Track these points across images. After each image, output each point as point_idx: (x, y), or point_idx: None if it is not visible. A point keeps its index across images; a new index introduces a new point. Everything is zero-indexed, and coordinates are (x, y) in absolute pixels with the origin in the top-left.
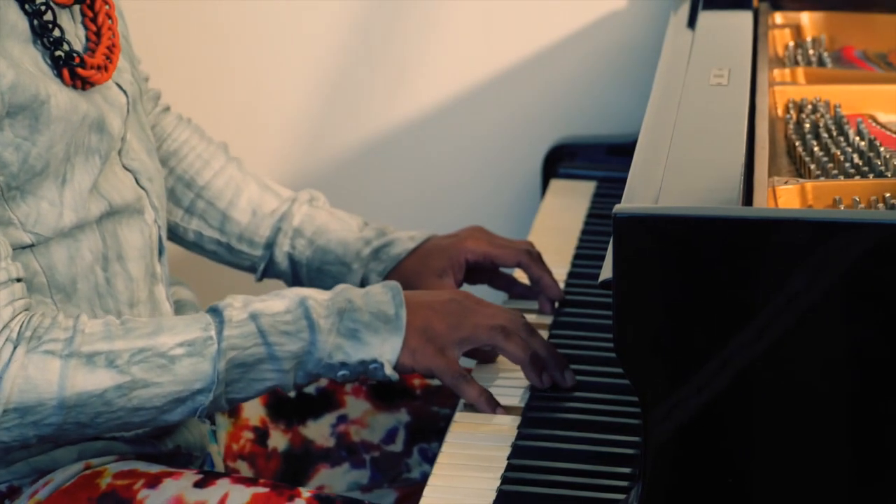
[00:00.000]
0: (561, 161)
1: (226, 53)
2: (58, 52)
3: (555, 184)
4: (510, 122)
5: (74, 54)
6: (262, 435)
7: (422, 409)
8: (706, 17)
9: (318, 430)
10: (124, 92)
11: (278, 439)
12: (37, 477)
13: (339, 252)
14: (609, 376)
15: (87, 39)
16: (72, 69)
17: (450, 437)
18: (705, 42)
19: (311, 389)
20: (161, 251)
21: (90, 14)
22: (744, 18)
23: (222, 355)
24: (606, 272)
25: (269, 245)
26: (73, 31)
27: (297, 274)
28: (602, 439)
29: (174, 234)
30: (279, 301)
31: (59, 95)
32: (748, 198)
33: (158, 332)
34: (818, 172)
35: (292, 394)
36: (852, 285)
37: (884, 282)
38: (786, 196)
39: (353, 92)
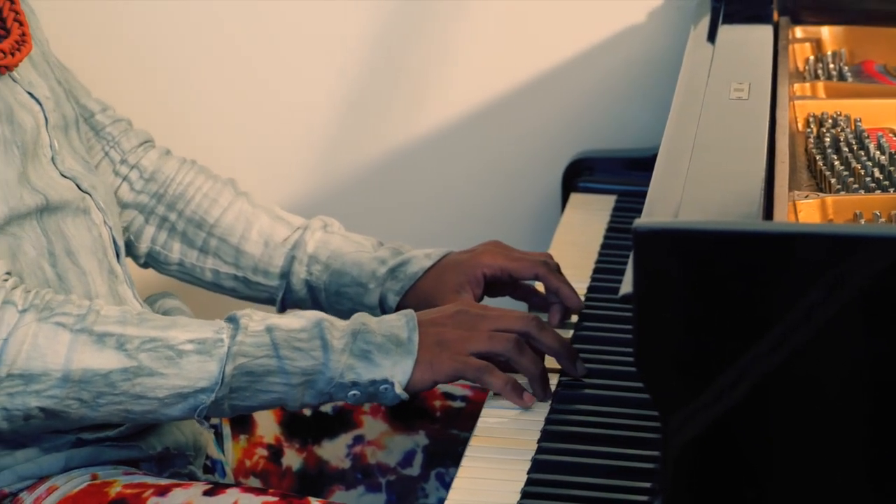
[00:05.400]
0: (580, 175)
1: (243, 68)
2: None
3: (574, 198)
4: (530, 136)
5: None
6: (275, 453)
7: (440, 432)
8: (726, 31)
9: (334, 451)
10: (37, 101)
11: (292, 458)
12: (33, 484)
13: (355, 273)
14: (629, 390)
15: None
16: None
17: (469, 452)
18: (725, 56)
19: (327, 408)
20: (118, 252)
21: None
22: (764, 32)
23: (231, 359)
24: (627, 286)
25: (285, 274)
26: None
27: (317, 299)
28: (622, 454)
29: (192, 276)
30: (297, 320)
31: None
32: (768, 212)
33: (172, 326)
34: (838, 187)
35: (307, 412)
36: (872, 300)
37: None
38: (806, 210)
39: (371, 107)
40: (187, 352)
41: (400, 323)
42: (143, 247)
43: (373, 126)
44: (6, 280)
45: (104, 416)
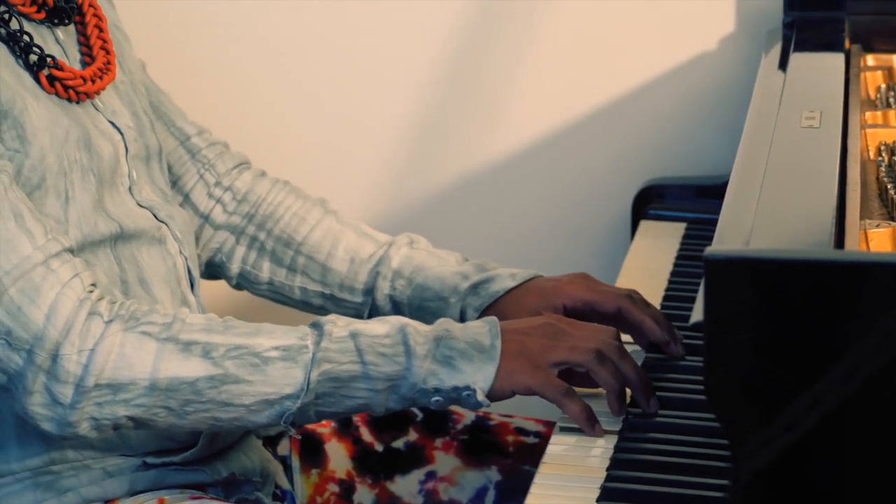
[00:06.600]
0: (650, 202)
1: (313, 92)
2: (31, 57)
3: (644, 225)
4: (600, 162)
5: (48, 57)
6: (347, 488)
7: (513, 467)
8: (798, 59)
9: (406, 487)
10: (118, 130)
11: (364, 495)
12: None
13: (437, 287)
14: (699, 419)
15: (83, 63)
16: (49, 74)
17: (538, 479)
18: (797, 84)
19: (399, 444)
20: (192, 282)
21: (83, 39)
22: (835, 60)
23: (316, 365)
24: (697, 314)
25: (370, 290)
26: (61, 52)
27: (401, 314)
28: (691, 482)
29: (282, 294)
30: (380, 325)
31: (36, 106)
32: (840, 241)
33: (257, 333)
34: None
35: (379, 448)
36: None
37: None
38: (877, 239)
39: (441, 132)
40: (273, 358)
41: (483, 330)
42: (235, 267)
43: (443, 151)
44: (91, 291)
45: (192, 424)
